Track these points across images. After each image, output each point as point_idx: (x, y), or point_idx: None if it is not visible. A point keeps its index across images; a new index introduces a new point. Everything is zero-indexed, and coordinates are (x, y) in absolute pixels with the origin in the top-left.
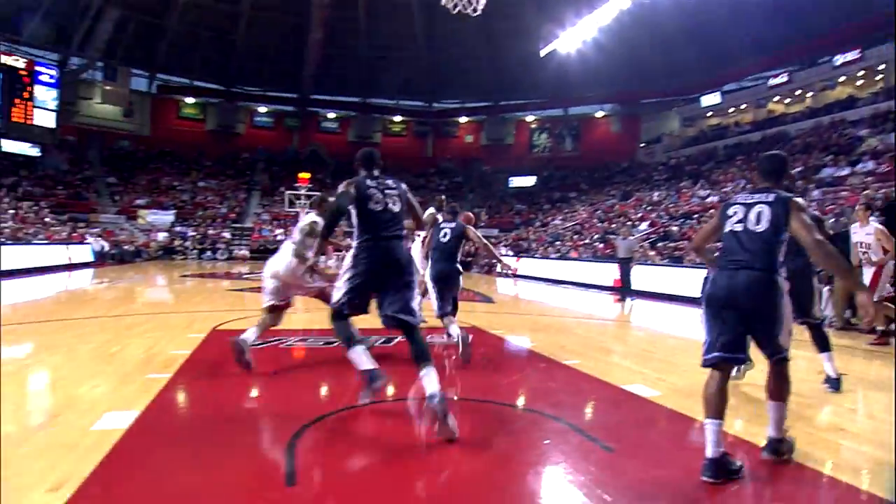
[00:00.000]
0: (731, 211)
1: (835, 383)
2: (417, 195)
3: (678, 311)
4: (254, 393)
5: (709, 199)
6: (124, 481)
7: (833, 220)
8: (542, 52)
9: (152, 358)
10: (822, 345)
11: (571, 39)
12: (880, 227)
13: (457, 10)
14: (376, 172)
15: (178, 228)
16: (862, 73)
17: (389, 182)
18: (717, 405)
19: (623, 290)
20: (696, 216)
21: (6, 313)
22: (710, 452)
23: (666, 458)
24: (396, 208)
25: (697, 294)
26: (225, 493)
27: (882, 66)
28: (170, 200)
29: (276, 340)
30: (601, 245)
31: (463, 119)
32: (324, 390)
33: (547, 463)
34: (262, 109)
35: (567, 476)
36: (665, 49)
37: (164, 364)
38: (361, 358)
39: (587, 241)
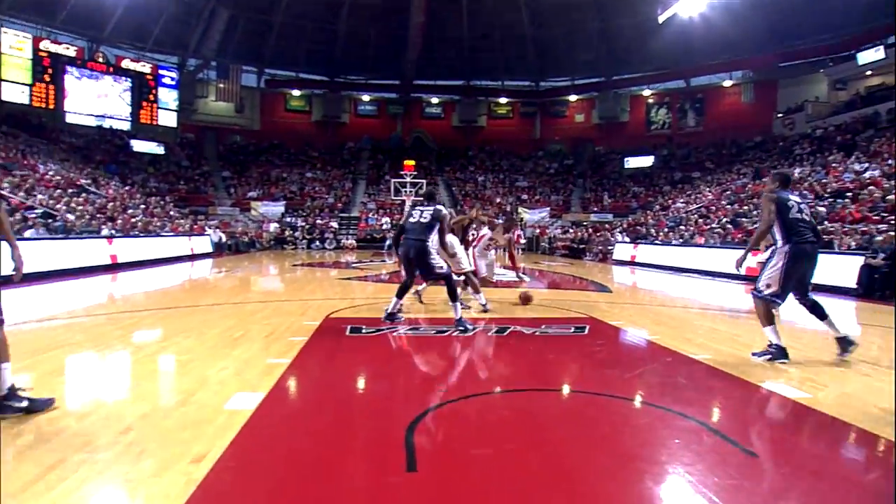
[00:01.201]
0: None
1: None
2: (526, 179)
3: (828, 303)
4: (370, 379)
5: (867, 175)
6: (258, 456)
7: None
8: (661, 18)
9: (272, 343)
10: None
11: (694, 1)
12: None
13: None
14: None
15: (287, 219)
16: None
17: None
18: None
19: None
20: (848, 194)
21: (141, 301)
22: None
23: (818, 466)
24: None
25: (852, 284)
26: (347, 474)
27: None
28: (280, 192)
29: (388, 329)
30: (732, 229)
31: (572, 97)
32: (438, 379)
33: (680, 464)
34: (366, 98)
35: (703, 479)
36: (807, 3)
37: (283, 349)
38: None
39: (714, 225)
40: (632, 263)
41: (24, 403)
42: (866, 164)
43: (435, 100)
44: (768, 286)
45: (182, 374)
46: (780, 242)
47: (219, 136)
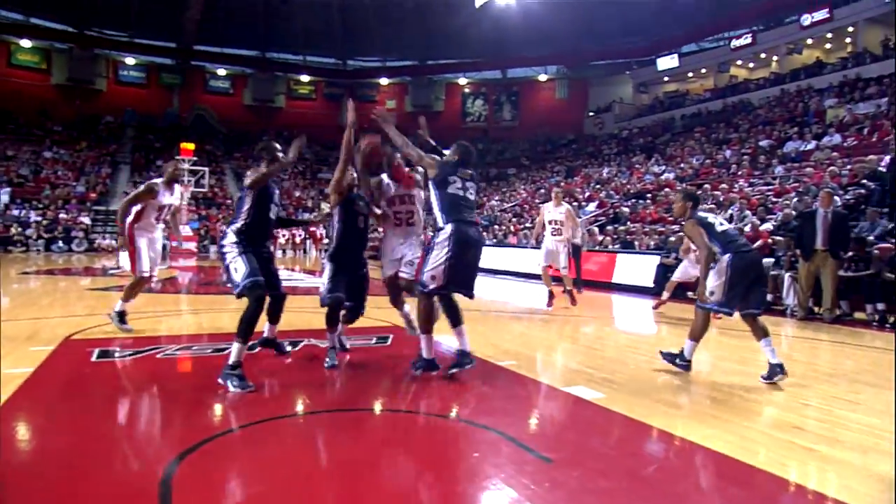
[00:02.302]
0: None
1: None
2: (328, 170)
3: (628, 302)
4: (120, 417)
5: (664, 177)
6: None
7: (796, 199)
8: (478, 3)
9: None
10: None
11: None
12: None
13: None
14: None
15: (15, 212)
16: (831, 34)
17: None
18: None
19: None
20: (649, 195)
21: None
22: None
23: (609, 466)
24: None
25: (649, 283)
26: None
27: (851, 28)
28: (1, 174)
29: (152, 349)
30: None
31: (384, 81)
32: (206, 408)
33: (476, 478)
34: (130, 61)
35: (498, 492)
36: (618, 5)
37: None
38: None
39: (529, 224)
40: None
41: None
42: (664, 167)
43: (222, 71)
44: (712, 293)
45: None
46: (720, 256)
47: None
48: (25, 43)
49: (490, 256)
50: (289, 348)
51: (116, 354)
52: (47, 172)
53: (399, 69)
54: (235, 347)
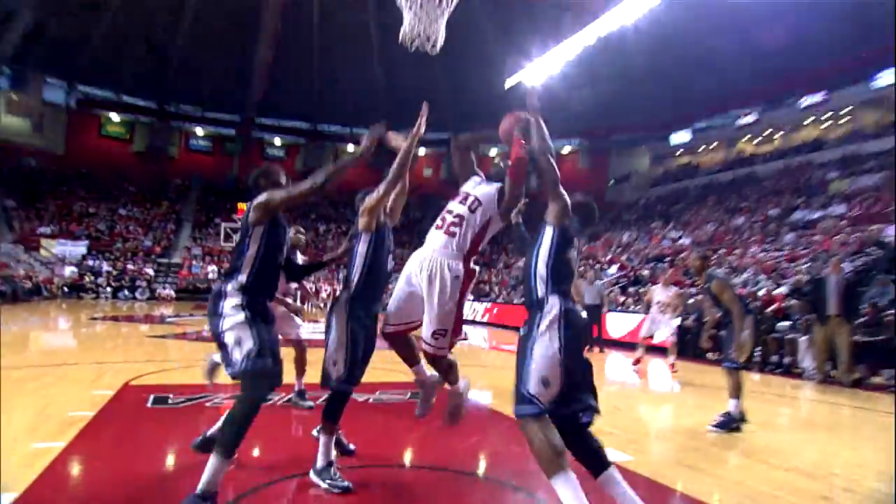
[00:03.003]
0: None
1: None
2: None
3: (651, 362)
4: (170, 462)
5: (680, 241)
6: None
7: (808, 264)
8: (507, 85)
9: (44, 421)
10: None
11: (537, 72)
12: None
13: (414, 48)
14: None
15: (90, 262)
16: (828, 115)
17: None
18: None
19: (595, 339)
20: (667, 259)
21: None
22: None
23: None
24: None
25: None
26: None
27: (848, 109)
28: (82, 229)
29: (201, 397)
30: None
31: (422, 151)
32: (255, 458)
33: None
34: (200, 132)
35: None
36: (634, 85)
37: (58, 429)
38: None
39: None
40: (481, 323)
41: None
42: (681, 233)
43: (278, 141)
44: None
45: None
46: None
47: (5, 156)
48: (115, 117)
49: (522, 314)
50: (310, 403)
51: (170, 400)
52: (120, 228)
53: (436, 141)
54: (212, 465)
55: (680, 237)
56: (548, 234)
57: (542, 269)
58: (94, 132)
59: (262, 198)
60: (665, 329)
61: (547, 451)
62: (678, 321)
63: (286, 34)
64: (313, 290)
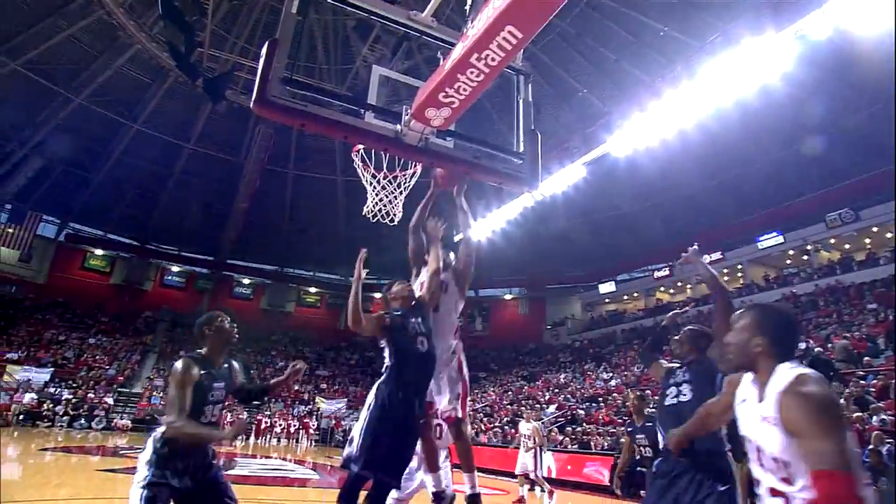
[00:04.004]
0: None
1: None
2: (326, 369)
3: (585, 501)
4: None
5: (612, 383)
6: None
7: None
8: (456, 238)
9: None
10: None
11: (482, 229)
12: None
13: (376, 219)
14: None
15: (51, 389)
16: (726, 270)
17: None
18: None
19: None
20: (600, 399)
21: None
22: None
23: None
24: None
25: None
26: None
27: (740, 266)
28: (49, 356)
29: None
30: (511, 430)
31: (377, 295)
32: None
33: None
34: (175, 269)
35: None
36: (566, 242)
37: None
38: None
39: (497, 424)
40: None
41: None
42: (611, 374)
43: (247, 280)
44: None
45: None
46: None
47: None
48: (98, 252)
49: None
50: None
51: None
52: (87, 356)
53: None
54: None
55: (611, 378)
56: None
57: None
58: (77, 264)
59: (174, 375)
60: (527, 461)
61: None
62: (534, 454)
63: (262, 188)
64: (267, 424)
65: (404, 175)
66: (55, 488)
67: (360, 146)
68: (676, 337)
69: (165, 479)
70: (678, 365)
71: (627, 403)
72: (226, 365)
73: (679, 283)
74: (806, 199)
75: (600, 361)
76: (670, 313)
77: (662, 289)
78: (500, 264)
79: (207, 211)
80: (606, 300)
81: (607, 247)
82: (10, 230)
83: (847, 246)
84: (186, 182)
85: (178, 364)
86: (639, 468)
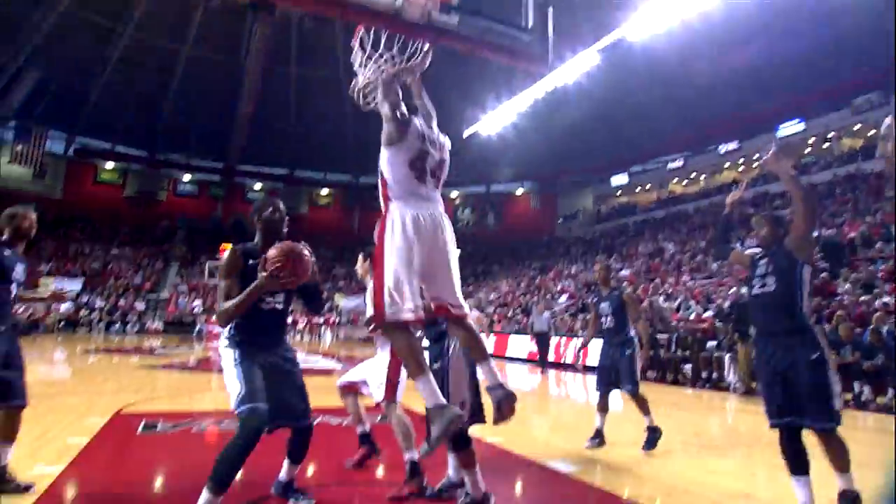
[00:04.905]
0: None
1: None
2: (343, 267)
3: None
4: (159, 487)
5: (623, 273)
6: None
7: (732, 289)
8: (465, 134)
9: (42, 447)
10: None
11: (492, 123)
12: None
13: (361, 104)
14: None
15: (84, 298)
16: (742, 160)
17: None
18: None
19: (541, 363)
20: None
21: None
22: None
23: None
24: None
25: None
26: None
27: (757, 155)
28: (77, 268)
29: (188, 423)
30: (524, 318)
31: None
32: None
33: None
34: (187, 178)
35: None
36: (578, 133)
37: (56, 455)
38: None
39: (510, 314)
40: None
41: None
42: (622, 265)
43: (258, 186)
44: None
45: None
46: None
47: (7, 202)
48: (108, 165)
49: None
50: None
51: (159, 427)
52: (113, 266)
53: None
54: (203, 499)
55: (622, 268)
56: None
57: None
58: (89, 179)
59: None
60: None
61: None
62: None
63: (266, 90)
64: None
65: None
66: (102, 382)
67: (360, 31)
68: (756, 218)
69: (251, 355)
70: (760, 254)
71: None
72: None
73: (692, 175)
74: (832, 84)
75: (612, 253)
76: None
77: (675, 180)
78: (512, 159)
79: (213, 117)
80: (618, 192)
81: (620, 139)
82: (19, 148)
83: (871, 133)
84: (188, 89)
85: (225, 255)
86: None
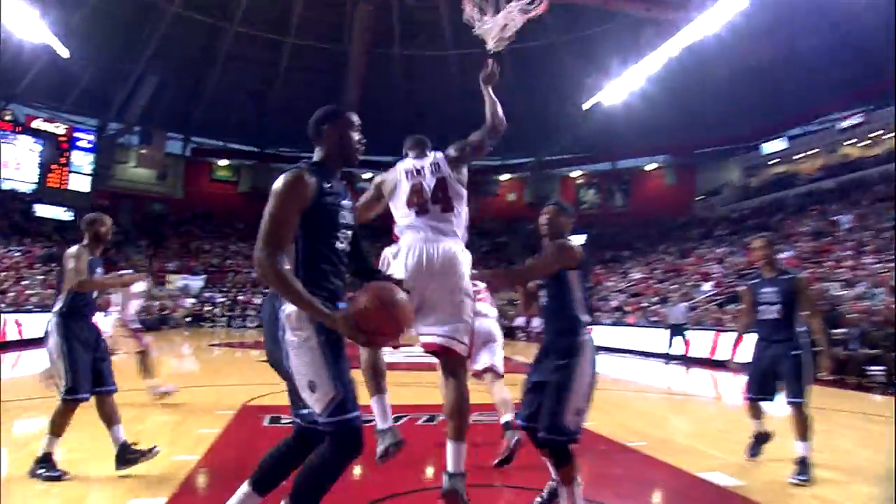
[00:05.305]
0: None
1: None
2: None
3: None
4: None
5: (782, 255)
6: None
7: None
8: (585, 105)
9: (178, 437)
10: None
11: (617, 90)
12: None
13: (482, 37)
14: None
15: (207, 294)
16: None
17: None
18: None
19: (677, 359)
20: None
21: (29, 387)
22: None
23: None
24: None
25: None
26: None
27: None
28: (199, 265)
29: None
30: (661, 308)
31: (505, 176)
32: (365, 475)
33: None
34: None
35: None
36: (719, 95)
37: (191, 444)
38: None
39: (644, 304)
40: None
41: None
42: (781, 244)
43: (367, 175)
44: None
45: (67, 476)
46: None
47: (136, 204)
48: (222, 162)
49: (607, 335)
50: None
51: (283, 420)
52: (231, 262)
53: (518, 166)
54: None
55: (780, 250)
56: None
57: (574, 295)
58: (206, 177)
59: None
60: None
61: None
62: None
63: (371, 75)
64: None
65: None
66: (227, 375)
67: None
68: None
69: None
70: None
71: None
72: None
73: (876, 133)
74: None
75: (767, 231)
76: None
77: (851, 141)
78: (640, 130)
79: (319, 108)
80: (773, 161)
81: (774, 98)
82: (144, 151)
83: None
84: (294, 80)
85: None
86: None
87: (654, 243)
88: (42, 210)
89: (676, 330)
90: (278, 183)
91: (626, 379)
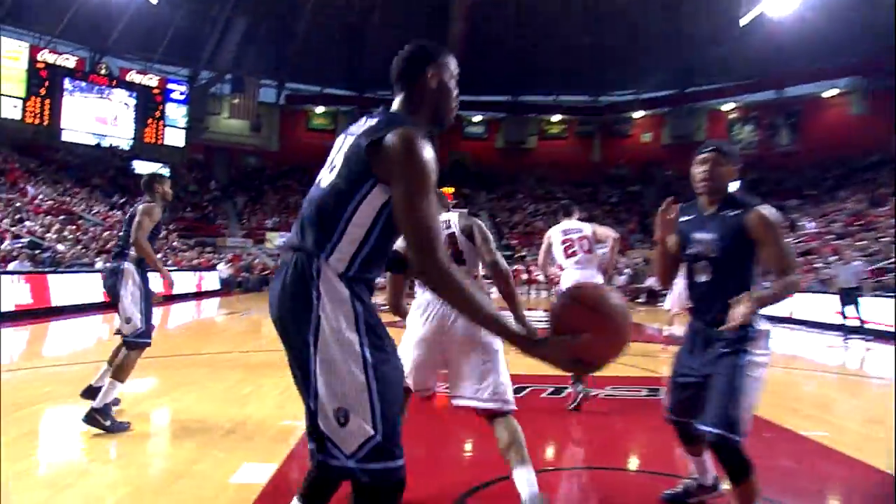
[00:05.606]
0: None
1: None
2: (584, 209)
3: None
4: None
5: None
6: None
7: None
8: (743, 21)
9: (288, 401)
10: None
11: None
12: None
13: None
14: None
15: None
16: None
17: None
18: None
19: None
20: None
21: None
22: None
23: None
24: None
25: None
26: None
27: None
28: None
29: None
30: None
31: (638, 114)
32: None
33: None
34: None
35: None
36: None
37: (299, 409)
38: None
39: (819, 264)
40: None
41: (108, 423)
42: None
43: (477, 118)
44: None
45: (179, 438)
46: None
47: (231, 157)
48: (319, 109)
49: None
50: None
51: None
52: None
53: (655, 101)
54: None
55: None
56: None
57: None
58: (302, 126)
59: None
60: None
61: None
62: None
63: (478, 2)
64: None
65: None
66: None
67: None
68: None
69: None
70: None
71: None
72: None
73: None
74: None
75: None
76: None
77: None
78: (815, 48)
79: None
80: None
81: None
82: (236, 101)
83: None
84: (391, 18)
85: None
86: None
87: (834, 189)
88: (140, 166)
89: (847, 295)
90: (413, 150)
91: (796, 355)
